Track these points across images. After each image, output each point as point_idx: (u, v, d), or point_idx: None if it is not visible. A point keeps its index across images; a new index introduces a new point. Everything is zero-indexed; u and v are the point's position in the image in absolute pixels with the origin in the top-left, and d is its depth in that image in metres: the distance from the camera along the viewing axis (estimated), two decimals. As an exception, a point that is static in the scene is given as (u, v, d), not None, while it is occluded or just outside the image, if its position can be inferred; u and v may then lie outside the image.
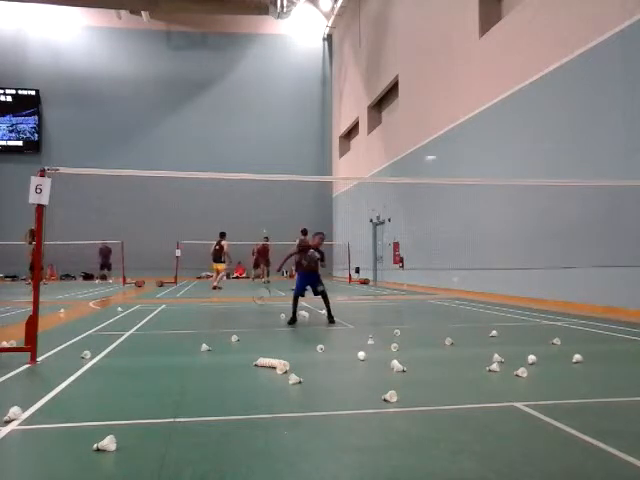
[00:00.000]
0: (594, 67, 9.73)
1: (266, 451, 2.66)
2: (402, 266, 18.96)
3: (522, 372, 4.26)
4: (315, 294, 8.09)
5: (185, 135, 28.25)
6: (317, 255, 8.05)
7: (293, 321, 7.85)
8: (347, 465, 2.51)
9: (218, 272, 17.39)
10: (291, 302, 8.11)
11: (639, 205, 8.65)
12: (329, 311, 7.97)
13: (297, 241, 11.45)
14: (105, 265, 22.44)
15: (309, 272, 8.06)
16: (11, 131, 27.72)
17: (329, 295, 8.20)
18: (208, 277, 26.72)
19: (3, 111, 27.54)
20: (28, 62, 27.47)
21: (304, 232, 12.82)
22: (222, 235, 17.29)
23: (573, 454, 2.62)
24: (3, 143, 27.65)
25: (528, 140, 11.70)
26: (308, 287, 8.15)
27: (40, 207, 5.04)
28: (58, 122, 27.68)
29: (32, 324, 4.91)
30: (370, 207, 22.05)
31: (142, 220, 26.61)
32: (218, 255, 17.12)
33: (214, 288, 17.01)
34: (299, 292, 8.03)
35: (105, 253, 22.32)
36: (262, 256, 21.44)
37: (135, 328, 7.47)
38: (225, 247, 17.10)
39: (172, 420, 3.15)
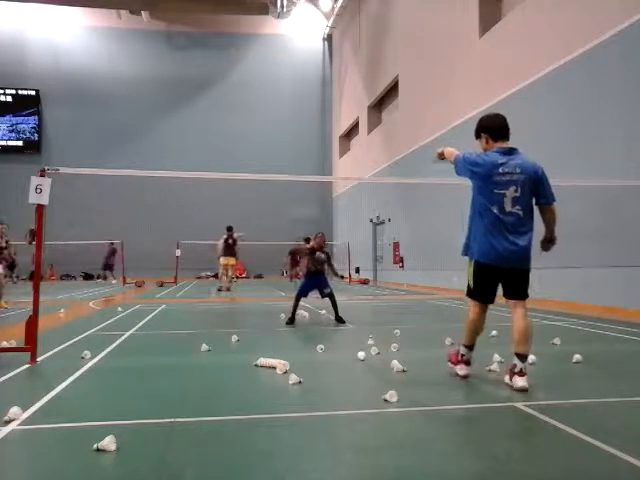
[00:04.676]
0: (594, 67, 9.73)
1: (266, 451, 2.65)
2: (402, 266, 18.96)
3: (522, 372, 4.25)
4: (322, 296, 8.07)
5: (185, 135, 28.26)
6: (323, 257, 8.04)
7: (291, 321, 7.82)
8: (347, 465, 2.51)
9: (227, 268, 16.18)
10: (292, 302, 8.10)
11: (639, 205, 8.65)
12: (337, 312, 7.94)
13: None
14: (108, 266, 22.30)
15: (315, 274, 8.05)
16: (11, 131, 27.73)
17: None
18: (208, 277, 26.73)
19: (3, 111, 27.55)
20: (28, 62, 27.48)
21: (307, 240, 13.03)
22: (230, 229, 16.03)
23: (573, 454, 2.62)
24: (3, 143, 27.66)
25: (528, 140, 11.65)
26: (313, 290, 8.13)
27: (40, 207, 5.04)
28: (58, 122, 27.69)
29: (32, 324, 4.90)
30: (370, 207, 22.05)
31: (142, 220, 26.62)
32: (233, 249, 15.99)
33: (227, 289, 16.01)
34: (302, 293, 8.00)
35: (113, 253, 22.11)
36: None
37: (135, 328, 7.47)
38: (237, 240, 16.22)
39: (172, 420, 3.14)
